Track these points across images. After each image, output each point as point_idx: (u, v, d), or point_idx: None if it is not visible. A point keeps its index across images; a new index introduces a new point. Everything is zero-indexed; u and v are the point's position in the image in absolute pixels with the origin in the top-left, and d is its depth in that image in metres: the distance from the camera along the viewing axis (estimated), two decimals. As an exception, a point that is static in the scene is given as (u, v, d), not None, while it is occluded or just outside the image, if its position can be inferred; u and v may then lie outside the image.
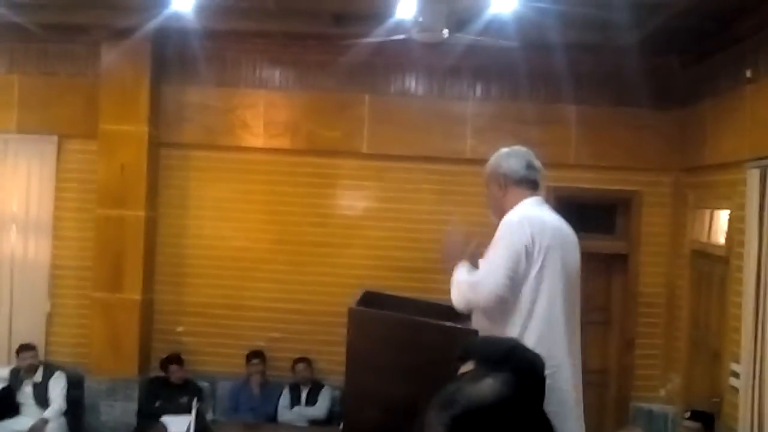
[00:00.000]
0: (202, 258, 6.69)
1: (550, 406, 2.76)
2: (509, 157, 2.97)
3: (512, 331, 2.68)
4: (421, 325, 2.90)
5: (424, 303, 3.28)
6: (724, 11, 4.98)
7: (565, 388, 2.79)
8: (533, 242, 2.74)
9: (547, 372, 2.68)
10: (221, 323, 6.63)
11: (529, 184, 2.93)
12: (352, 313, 2.92)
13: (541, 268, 2.75)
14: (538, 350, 2.65)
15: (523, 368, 1.88)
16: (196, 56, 6.56)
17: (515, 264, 2.71)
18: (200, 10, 5.50)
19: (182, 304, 6.70)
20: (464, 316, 2.99)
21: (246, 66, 6.70)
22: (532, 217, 2.83)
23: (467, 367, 1.95)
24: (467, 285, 2.80)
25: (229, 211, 6.68)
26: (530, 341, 2.65)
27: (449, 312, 3.05)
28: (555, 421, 2.74)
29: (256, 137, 6.68)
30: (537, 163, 2.97)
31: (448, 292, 2.99)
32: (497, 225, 2.93)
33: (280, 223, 6.65)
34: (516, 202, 2.90)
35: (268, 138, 6.67)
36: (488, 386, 1.50)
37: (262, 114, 6.67)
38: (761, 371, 4.69)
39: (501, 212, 2.93)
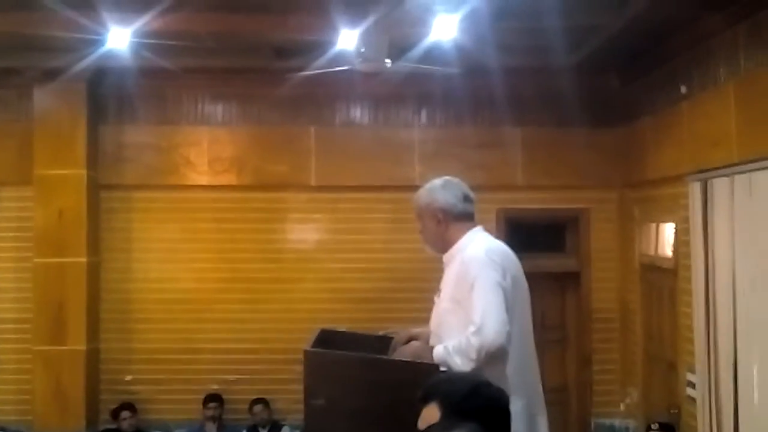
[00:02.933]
0: (149, 302, 6.50)
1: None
2: (444, 191, 2.94)
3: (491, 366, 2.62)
4: (381, 364, 2.83)
5: (383, 338, 3.19)
6: (656, 30, 5.10)
7: (540, 413, 2.84)
8: (504, 274, 2.74)
9: (523, 401, 2.70)
10: (173, 368, 6.43)
11: (468, 217, 2.93)
12: (307, 355, 2.83)
13: (513, 297, 2.74)
14: (516, 379, 2.67)
15: (488, 407, 1.85)
16: (135, 94, 6.45)
17: (503, 299, 2.67)
18: (136, 47, 5.38)
19: (131, 351, 6.48)
20: None
21: (187, 102, 6.60)
22: (493, 249, 2.83)
23: (430, 408, 1.89)
24: (466, 344, 2.62)
25: (176, 252, 6.52)
26: (510, 370, 2.67)
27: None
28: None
29: (200, 175, 6.56)
30: (471, 194, 2.98)
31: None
32: (439, 255, 2.96)
33: (230, 261, 6.52)
34: (460, 235, 2.90)
35: (213, 175, 6.56)
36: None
37: (206, 151, 6.56)
38: (716, 380, 4.74)
39: (442, 245, 2.95)
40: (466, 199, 2.94)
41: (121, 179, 6.52)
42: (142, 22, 4.91)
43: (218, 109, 6.64)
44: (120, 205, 6.54)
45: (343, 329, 3.34)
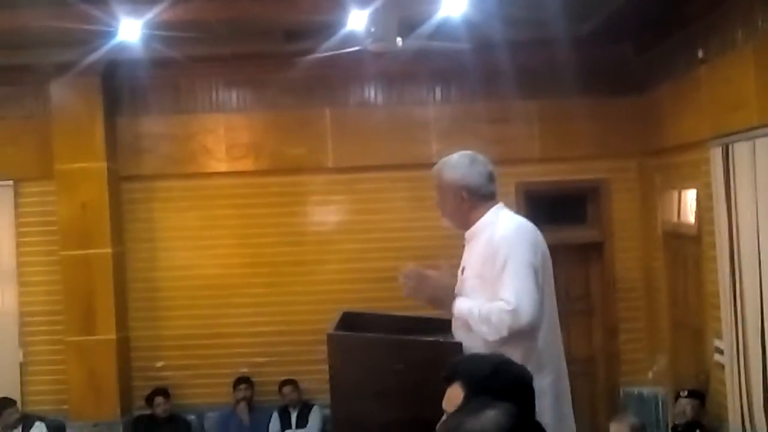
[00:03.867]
0: (175, 289, 6.57)
1: (564, 408, 2.78)
2: (471, 169, 2.85)
3: (522, 341, 2.62)
4: (404, 344, 2.83)
5: (406, 318, 3.20)
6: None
7: (566, 390, 2.81)
8: (536, 252, 2.71)
9: (551, 377, 2.70)
10: (202, 353, 6.52)
11: (492, 196, 2.88)
12: (330, 338, 2.84)
13: (543, 276, 2.71)
14: (544, 356, 2.68)
15: (512, 386, 1.85)
16: (149, 85, 6.47)
17: (536, 279, 2.65)
18: (148, 38, 5.40)
19: (160, 338, 6.57)
20: (447, 327, 2.94)
21: (201, 91, 6.62)
22: (523, 227, 2.78)
23: (454, 388, 1.91)
24: (498, 318, 2.59)
25: (198, 239, 6.57)
26: (540, 346, 2.67)
27: (432, 324, 2.99)
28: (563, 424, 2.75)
29: (219, 162, 6.59)
30: (494, 173, 2.92)
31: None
32: (456, 230, 2.90)
33: (253, 246, 6.56)
34: (482, 213, 2.84)
35: (231, 161, 6.58)
36: (489, 419, 1.46)
37: (223, 138, 6.58)
38: (744, 345, 4.72)
39: (465, 222, 2.87)
40: (491, 178, 2.87)
41: (141, 170, 6.57)
42: (152, 13, 4.92)
43: (232, 96, 6.65)
44: (141, 196, 6.59)
45: (365, 311, 3.35)
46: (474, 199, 2.84)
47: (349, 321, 3.06)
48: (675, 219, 5.99)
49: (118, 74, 6.43)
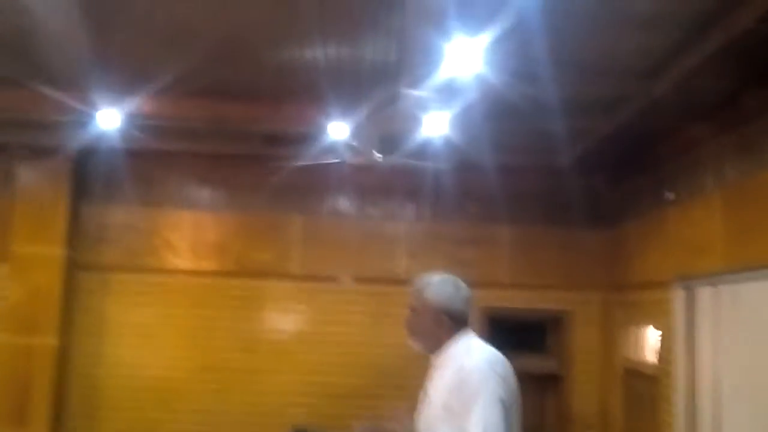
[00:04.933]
0: (119, 388, 6.25)
1: None
2: (456, 293, 2.84)
3: None
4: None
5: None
6: (645, 136, 5.20)
7: None
8: (507, 388, 2.64)
9: None
10: (139, 459, 6.14)
11: (466, 321, 2.86)
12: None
13: (511, 410, 2.63)
14: None
15: None
16: (120, 175, 6.39)
17: (505, 415, 2.58)
18: (125, 128, 5.37)
19: (97, 439, 6.19)
20: None
21: (173, 185, 6.56)
22: (495, 360, 2.71)
23: None
24: None
25: (149, 337, 6.33)
26: None
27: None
28: None
29: (181, 259, 6.45)
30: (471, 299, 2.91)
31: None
32: (421, 352, 2.85)
33: (205, 349, 6.34)
34: (456, 339, 2.80)
35: (194, 260, 6.45)
36: None
37: (189, 235, 6.48)
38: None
39: (433, 345, 2.82)
40: (470, 304, 2.86)
41: (100, 260, 6.39)
42: (131, 103, 4.93)
43: (204, 194, 6.60)
44: (96, 287, 6.38)
45: (317, 429, 3.19)
46: (451, 324, 2.81)
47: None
48: (635, 356, 5.98)
49: (91, 161, 6.36)
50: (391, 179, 6.21)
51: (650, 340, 5.71)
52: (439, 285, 2.86)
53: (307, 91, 4.68)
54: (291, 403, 5.97)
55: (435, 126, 4.85)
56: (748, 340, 4.21)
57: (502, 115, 4.76)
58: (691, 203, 4.98)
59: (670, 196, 5.29)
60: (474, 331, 2.88)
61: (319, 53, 4.24)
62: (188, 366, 6.31)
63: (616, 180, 6.44)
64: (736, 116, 4.36)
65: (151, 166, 6.42)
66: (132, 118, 5.21)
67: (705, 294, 4.72)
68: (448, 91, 4.20)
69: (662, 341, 5.39)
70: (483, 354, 2.72)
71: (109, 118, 5.20)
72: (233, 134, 5.91)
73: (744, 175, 4.34)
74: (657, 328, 5.52)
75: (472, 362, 2.67)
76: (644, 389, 5.78)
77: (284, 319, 6.45)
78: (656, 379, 5.46)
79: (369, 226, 6.56)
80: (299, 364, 6.33)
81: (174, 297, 6.41)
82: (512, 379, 2.70)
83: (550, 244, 6.50)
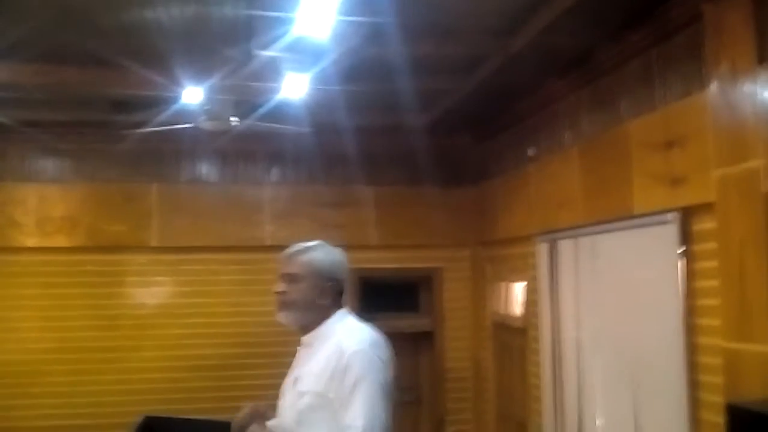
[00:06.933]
0: (-36, 377, 5.77)
1: None
2: (341, 261, 2.61)
3: None
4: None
5: (212, 423, 2.84)
6: (505, 94, 5.22)
7: None
8: (387, 372, 2.48)
9: None
10: (-10, 452, 5.72)
11: (341, 295, 2.63)
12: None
13: (392, 395, 2.49)
14: None
15: None
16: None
17: (388, 402, 2.42)
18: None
19: (-58, 433, 5.71)
20: None
21: (13, 158, 6.03)
22: (376, 342, 2.53)
23: None
24: None
25: (-2, 320, 5.86)
26: None
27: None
28: None
29: (27, 236, 5.97)
30: None
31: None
32: (293, 325, 2.58)
33: (60, 330, 5.94)
34: (329, 314, 2.58)
35: (41, 236, 5.98)
36: None
37: (34, 210, 5.99)
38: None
39: (309, 318, 2.56)
40: (347, 273, 2.63)
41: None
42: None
43: (48, 165, 6.10)
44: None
45: (170, 416, 2.96)
46: (333, 296, 2.58)
47: (153, 426, 2.72)
48: (503, 310, 6.10)
49: None
50: (252, 143, 5.97)
51: (517, 293, 5.83)
52: (323, 250, 2.61)
53: (155, 55, 4.34)
54: (155, 379, 5.73)
55: (292, 88, 4.64)
56: (603, 290, 4.34)
57: (360, 76, 4.62)
58: (551, 158, 5.06)
59: (531, 151, 5.35)
60: (348, 305, 2.66)
61: (161, 13, 3.92)
62: (42, 348, 5.92)
63: (480, 138, 6.48)
64: (590, 71, 4.41)
65: (-13, 137, 5.86)
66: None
67: (566, 247, 4.83)
68: (303, 52, 4.01)
69: (528, 294, 5.51)
70: (364, 336, 2.52)
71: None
72: (77, 101, 5.46)
73: (598, 129, 4.41)
74: (523, 281, 5.64)
75: (353, 345, 2.46)
76: (513, 342, 5.92)
77: (145, 293, 6.13)
78: (523, 331, 5.60)
79: (230, 192, 6.30)
80: (163, 338, 6.06)
81: (22, 277, 5.96)
82: (392, 362, 2.54)
83: (416, 203, 6.48)
